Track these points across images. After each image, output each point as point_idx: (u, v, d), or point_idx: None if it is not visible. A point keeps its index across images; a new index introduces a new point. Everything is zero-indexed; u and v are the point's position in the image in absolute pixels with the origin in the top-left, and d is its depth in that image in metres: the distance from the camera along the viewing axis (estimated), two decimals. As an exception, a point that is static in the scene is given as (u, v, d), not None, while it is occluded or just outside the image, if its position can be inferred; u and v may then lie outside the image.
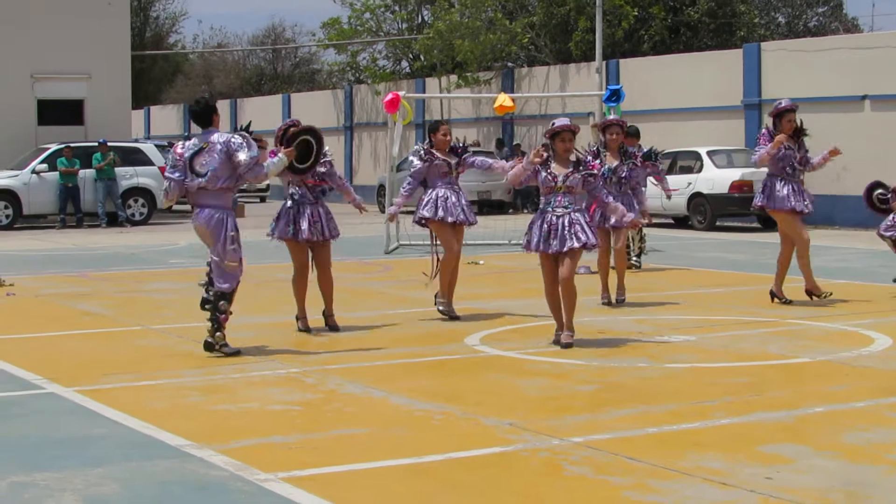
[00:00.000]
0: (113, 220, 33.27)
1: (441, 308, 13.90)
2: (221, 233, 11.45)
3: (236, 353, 11.53)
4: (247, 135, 11.46)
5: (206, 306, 11.64)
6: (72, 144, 33.26)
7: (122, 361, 11.45)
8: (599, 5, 33.74)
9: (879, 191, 17.03)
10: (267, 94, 63.40)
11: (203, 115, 11.55)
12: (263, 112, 51.95)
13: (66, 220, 32.61)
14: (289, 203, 13.11)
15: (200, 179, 11.39)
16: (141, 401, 9.57)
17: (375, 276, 19.04)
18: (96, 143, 33.60)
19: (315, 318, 13.27)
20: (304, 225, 12.93)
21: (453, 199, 13.94)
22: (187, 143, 11.67)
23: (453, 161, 14.05)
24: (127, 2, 39.87)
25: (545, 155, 11.80)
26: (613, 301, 15.03)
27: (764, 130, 15.25)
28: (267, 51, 72.94)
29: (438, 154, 14.01)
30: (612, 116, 15.86)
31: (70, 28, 37.46)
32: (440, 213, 13.87)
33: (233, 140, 11.31)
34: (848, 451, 7.74)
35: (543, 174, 11.83)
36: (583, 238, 11.67)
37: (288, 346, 12.16)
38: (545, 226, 11.78)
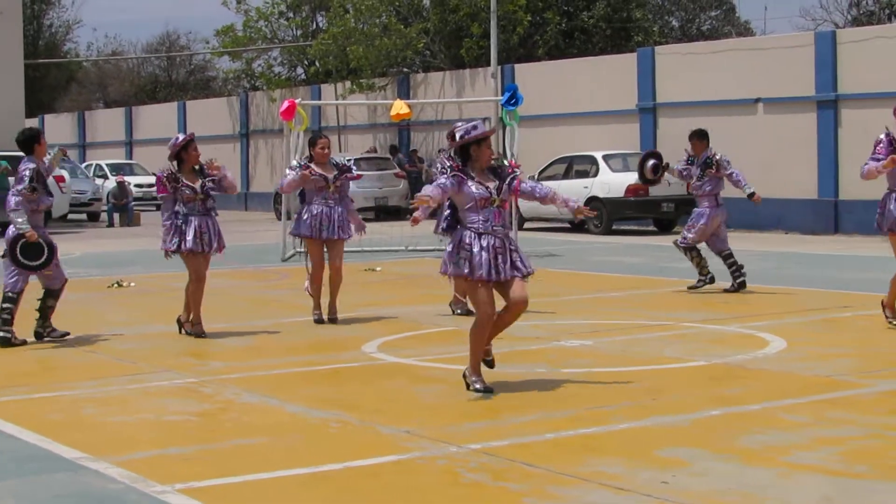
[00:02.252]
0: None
1: (315, 318, 14.18)
2: None
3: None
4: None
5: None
6: (-37, 154, 32.75)
7: (16, 374, 11.28)
8: (494, 11, 33.85)
9: (653, 161, 17.31)
10: (162, 102, 62.92)
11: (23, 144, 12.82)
12: (159, 119, 51.59)
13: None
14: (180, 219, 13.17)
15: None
16: (36, 413, 9.44)
17: (272, 283, 18.92)
18: (-13, 153, 33.12)
19: (218, 327, 13.18)
20: (190, 236, 13.00)
21: (325, 214, 14.04)
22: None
23: (331, 175, 14.10)
24: (19, 10, 39.39)
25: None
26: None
27: (884, 138, 12.72)
28: (161, 58, 72.41)
29: (316, 168, 14.05)
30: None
31: (-39, 36, 36.96)
32: (306, 231, 14.09)
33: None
34: (743, 453, 7.79)
35: (473, 187, 9.87)
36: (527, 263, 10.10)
37: (184, 356, 12.05)
38: (490, 250, 9.80)
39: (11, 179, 13.08)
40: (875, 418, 8.77)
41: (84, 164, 47.59)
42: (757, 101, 30.78)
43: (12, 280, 12.78)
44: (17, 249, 12.58)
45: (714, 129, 30.61)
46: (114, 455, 7.95)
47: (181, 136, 13.29)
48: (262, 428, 8.83)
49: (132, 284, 18.37)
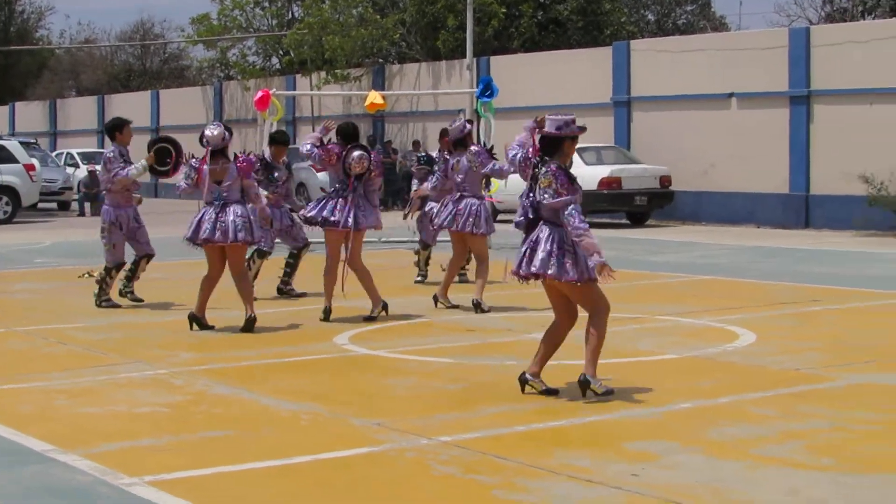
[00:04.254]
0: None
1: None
2: None
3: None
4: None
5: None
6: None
7: (-15, 364, 11.26)
8: (469, 3, 33.85)
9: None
10: (135, 90, 62.71)
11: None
12: (132, 108, 51.37)
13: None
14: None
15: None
16: (6, 405, 9.42)
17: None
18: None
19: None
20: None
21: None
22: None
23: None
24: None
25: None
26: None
27: None
28: (135, 46, 72.12)
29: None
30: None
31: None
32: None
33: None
34: (712, 446, 7.85)
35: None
36: None
37: (155, 347, 12.04)
38: None
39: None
40: (841, 412, 8.84)
41: (55, 153, 47.36)
42: (730, 95, 30.85)
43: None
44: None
45: (688, 123, 30.93)
46: (84, 447, 7.95)
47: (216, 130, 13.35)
48: (232, 420, 8.84)
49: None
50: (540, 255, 9.20)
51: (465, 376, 10.39)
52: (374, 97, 23.30)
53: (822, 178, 29.03)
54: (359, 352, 11.71)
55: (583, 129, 9.82)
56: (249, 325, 12.75)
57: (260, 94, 23.04)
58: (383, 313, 13.70)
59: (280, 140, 15.93)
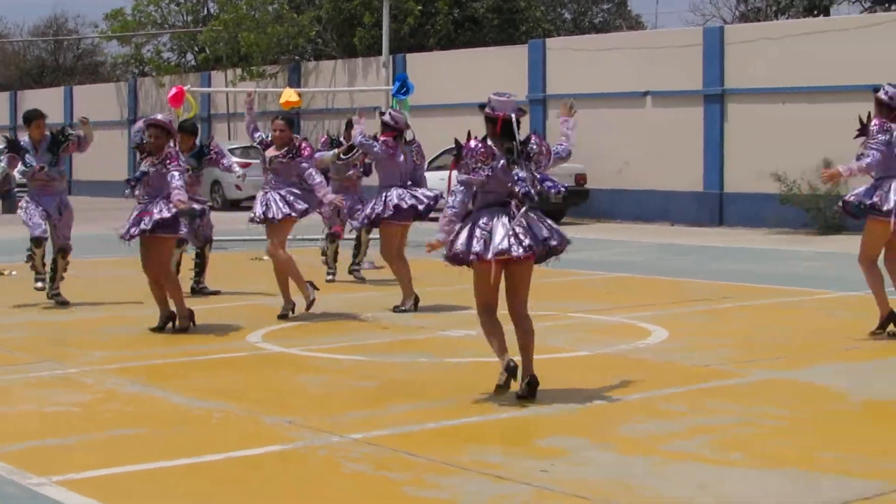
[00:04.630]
0: None
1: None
2: None
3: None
4: None
5: None
6: None
7: None
8: (386, 0, 33.86)
9: None
10: (48, 86, 62.01)
11: None
12: (45, 104, 50.24)
13: None
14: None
15: None
16: (-89, 404, 9.32)
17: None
18: None
19: (103, 315, 13.04)
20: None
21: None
22: None
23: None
24: None
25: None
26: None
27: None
28: (48, 42, 71.42)
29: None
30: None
31: None
32: None
33: None
34: (622, 442, 7.90)
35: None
36: None
37: (65, 346, 11.95)
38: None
39: None
40: (750, 407, 8.93)
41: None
42: (645, 94, 31.06)
43: None
44: None
45: (603, 121, 31.05)
46: (-8, 446, 7.88)
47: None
48: (143, 418, 8.78)
49: (14, 273, 18.11)
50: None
51: (378, 374, 10.39)
52: (290, 94, 23.21)
53: (736, 177, 29.30)
54: (272, 350, 11.67)
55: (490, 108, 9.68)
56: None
57: (174, 90, 22.88)
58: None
59: (188, 129, 15.74)
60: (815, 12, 44.50)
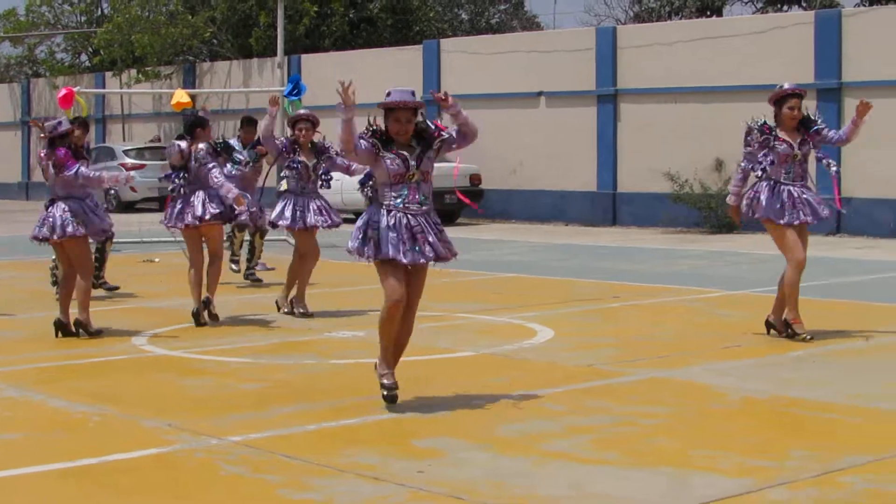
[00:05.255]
0: None
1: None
2: None
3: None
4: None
5: None
6: None
7: None
8: (280, 1, 33.78)
9: None
10: (-60, 87, 61.17)
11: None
12: (-64, 106, 50.12)
13: None
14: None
15: None
16: None
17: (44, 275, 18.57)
18: None
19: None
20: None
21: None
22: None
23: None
24: None
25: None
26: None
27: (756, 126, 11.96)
28: (-60, 42, 70.39)
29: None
30: (302, 111, 15.59)
31: None
32: None
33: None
34: (500, 442, 7.95)
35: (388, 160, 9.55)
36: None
37: (-53, 350, 11.81)
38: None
39: None
40: (628, 406, 9.02)
41: None
42: (539, 94, 31.23)
43: None
44: None
45: (498, 121, 31.17)
46: None
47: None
48: (21, 423, 8.71)
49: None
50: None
51: (263, 376, 10.38)
52: (181, 95, 23.12)
53: (629, 176, 29.56)
54: (156, 352, 11.60)
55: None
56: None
57: (63, 91, 22.66)
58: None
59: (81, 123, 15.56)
60: (708, 13, 44.99)
